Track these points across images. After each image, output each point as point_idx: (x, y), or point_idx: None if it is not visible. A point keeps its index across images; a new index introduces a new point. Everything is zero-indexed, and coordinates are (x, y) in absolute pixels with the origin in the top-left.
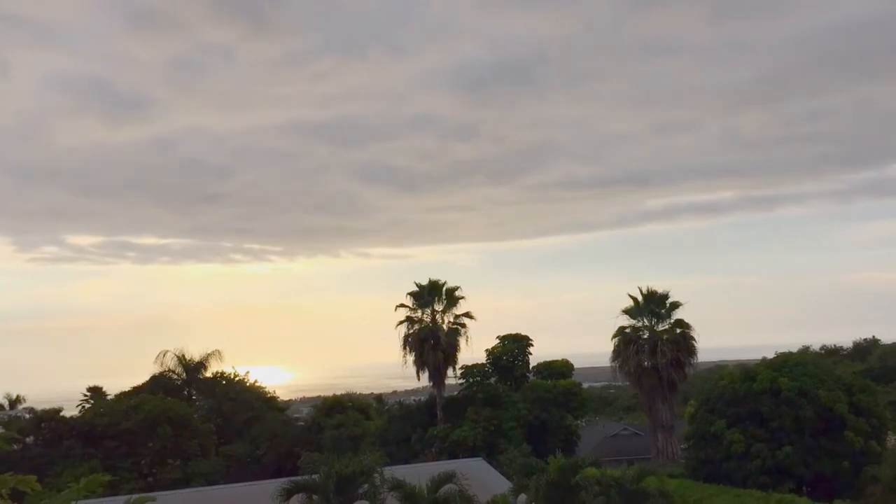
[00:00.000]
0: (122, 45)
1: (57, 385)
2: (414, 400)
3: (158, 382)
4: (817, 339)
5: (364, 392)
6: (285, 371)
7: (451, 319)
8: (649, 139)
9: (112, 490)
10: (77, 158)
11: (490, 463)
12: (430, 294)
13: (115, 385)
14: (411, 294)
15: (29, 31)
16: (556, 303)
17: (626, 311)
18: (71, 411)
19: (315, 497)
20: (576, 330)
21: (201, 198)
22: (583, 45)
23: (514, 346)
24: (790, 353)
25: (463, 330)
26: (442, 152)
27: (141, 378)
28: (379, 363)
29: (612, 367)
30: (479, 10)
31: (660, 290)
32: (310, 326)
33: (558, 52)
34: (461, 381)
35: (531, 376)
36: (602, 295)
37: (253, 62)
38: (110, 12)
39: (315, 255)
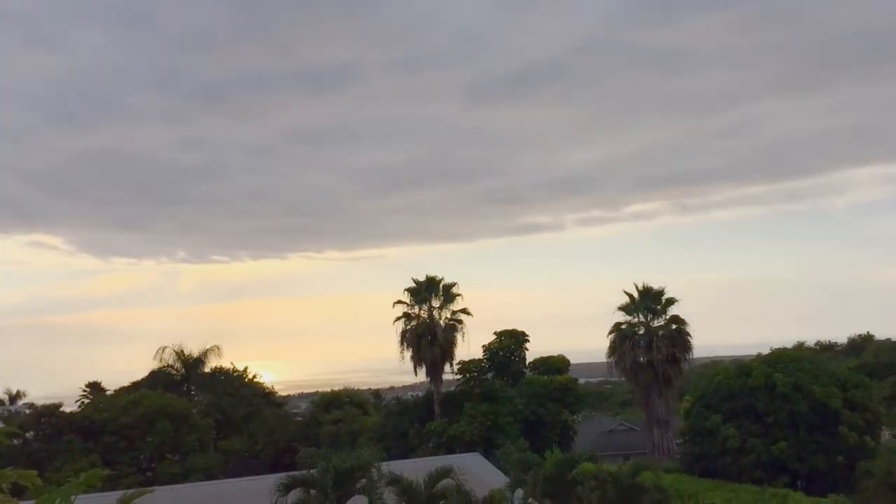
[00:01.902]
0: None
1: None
2: (411, 395)
3: (157, 378)
4: (812, 335)
5: (363, 387)
6: (280, 367)
7: (448, 315)
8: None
9: (111, 484)
10: (57, 160)
11: (487, 458)
12: (427, 290)
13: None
14: (409, 290)
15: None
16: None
17: (622, 308)
18: (69, 407)
19: (313, 492)
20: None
21: (178, 199)
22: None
23: (510, 342)
24: (785, 349)
25: (460, 326)
26: (424, 156)
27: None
28: (379, 359)
29: (608, 362)
30: (493, 21)
31: (655, 287)
32: (302, 323)
33: (554, 63)
34: (458, 376)
35: (528, 372)
36: (591, 292)
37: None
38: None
39: (290, 254)
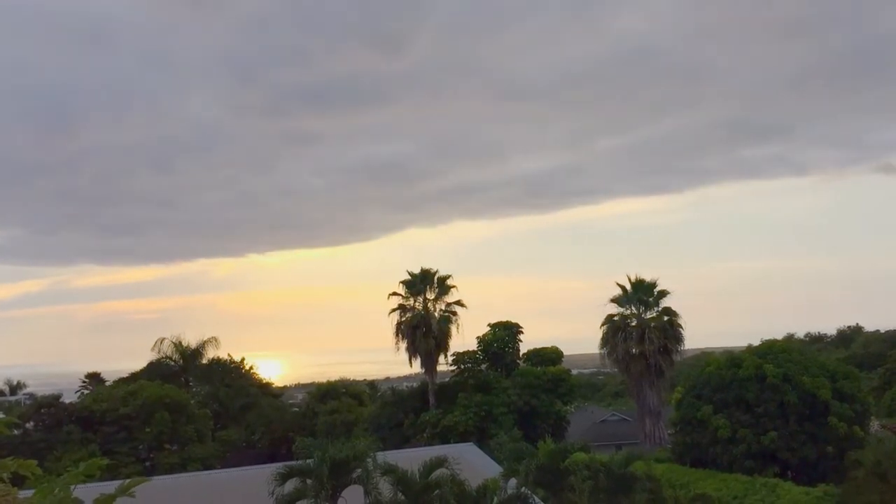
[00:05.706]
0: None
1: None
2: (406, 386)
3: (156, 369)
4: (802, 326)
5: (367, 377)
6: (285, 358)
7: (443, 307)
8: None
9: (110, 474)
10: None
11: (481, 448)
12: (422, 282)
13: None
14: (403, 282)
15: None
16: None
17: (615, 300)
18: (69, 398)
19: (309, 481)
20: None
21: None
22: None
23: (504, 334)
24: (775, 341)
25: (454, 317)
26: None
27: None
28: (381, 349)
29: (600, 354)
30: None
31: (647, 279)
32: (302, 316)
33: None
34: (453, 367)
35: (521, 363)
36: (585, 286)
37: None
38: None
39: (280, 250)
